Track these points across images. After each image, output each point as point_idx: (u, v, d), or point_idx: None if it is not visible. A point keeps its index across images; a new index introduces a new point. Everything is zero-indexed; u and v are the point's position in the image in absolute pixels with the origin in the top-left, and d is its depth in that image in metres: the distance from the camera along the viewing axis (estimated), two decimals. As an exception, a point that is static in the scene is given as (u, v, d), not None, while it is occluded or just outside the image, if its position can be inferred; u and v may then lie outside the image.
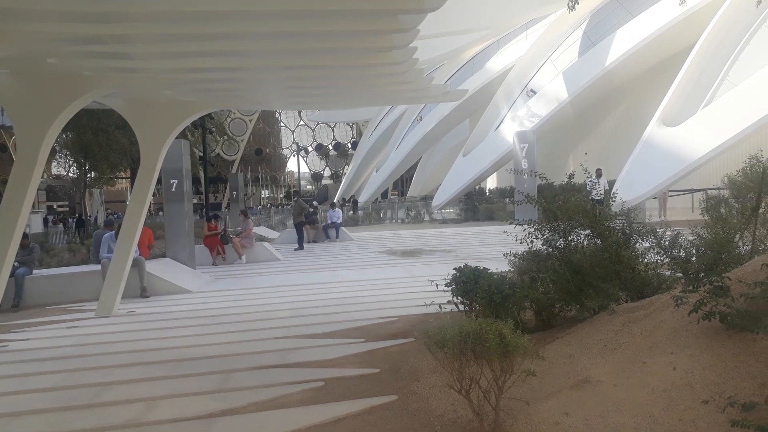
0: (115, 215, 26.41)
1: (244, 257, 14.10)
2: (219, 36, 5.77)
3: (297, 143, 63.53)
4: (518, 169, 18.87)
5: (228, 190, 34.22)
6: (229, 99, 10.32)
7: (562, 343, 4.81)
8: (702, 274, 5.60)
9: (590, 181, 14.40)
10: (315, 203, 26.85)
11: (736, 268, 4.84)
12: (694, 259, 5.81)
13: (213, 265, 13.90)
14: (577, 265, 5.17)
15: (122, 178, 48.26)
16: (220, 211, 31.54)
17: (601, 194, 6.88)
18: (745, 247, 6.16)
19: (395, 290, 9.25)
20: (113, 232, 10.21)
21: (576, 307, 5.35)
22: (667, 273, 5.85)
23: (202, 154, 28.36)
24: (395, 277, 10.66)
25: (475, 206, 27.65)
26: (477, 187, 32.62)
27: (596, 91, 25.02)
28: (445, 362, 3.72)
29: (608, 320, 4.83)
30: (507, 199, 27.61)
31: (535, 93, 27.08)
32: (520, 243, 5.92)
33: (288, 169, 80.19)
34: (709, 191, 16.84)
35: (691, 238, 6.07)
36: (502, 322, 3.73)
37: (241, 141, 65.23)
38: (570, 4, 5.65)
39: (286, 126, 78.91)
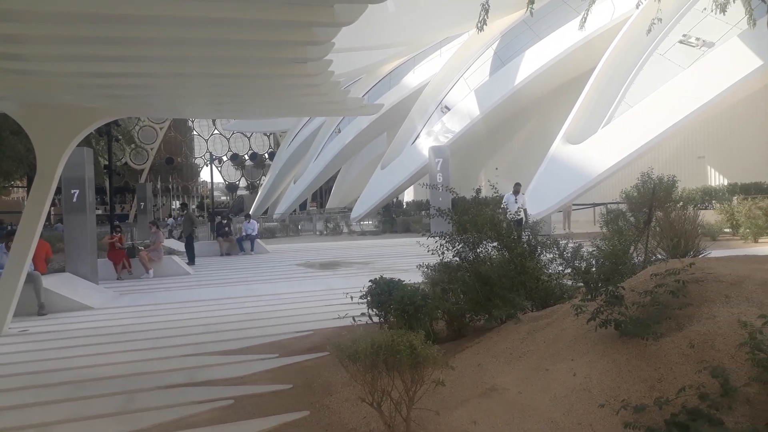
0: (9, 226, 24.49)
1: (151, 271, 13.48)
2: (125, 40, 5.53)
3: (210, 152, 61.75)
4: (433, 182, 19.27)
5: (136, 201, 32.67)
6: (137, 106, 9.90)
7: (471, 353, 4.94)
8: (600, 284, 5.95)
9: (507, 196, 14.22)
10: (231, 216, 26.14)
11: (630, 278, 5.18)
12: (593, 269, 6.17)
13: (118, 279, 13.19)
14: (486, 276, 5.35)
15: (18, 187, 44.86)
16: (121, 222, 30.00)
17: (519, 215, 6.84)
18: (639, 258, 6.61)
19: (312, 303, 9.16)
20: (2, 244, 9.48)
21: (485, 317, 5.52)
22: (569, 283, 6.17)
23: (107, 163, 26.90)
24: (312, 290, 10.56)
25: (393, 218, 27.98)
26: (395, 200, 33.04)
27: (506, 109, 26.08)
28: (357, 375, 3.72)
29: (514, 329, 5.02)
30: (423, 212, 28.14)
31: (449, 109, 27.85)
32: (433, 254, 6.05)
33: (201, 179, 77.65)
34: (609, 205, 17.99)
35: (591, 249, 6.44)
36: (414, 334, 3.78)
37: (151, 149, 62.51)
38: (479, 25, 5.88)
39: (199, 135, 76.39)
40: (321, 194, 58.76)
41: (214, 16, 4.97)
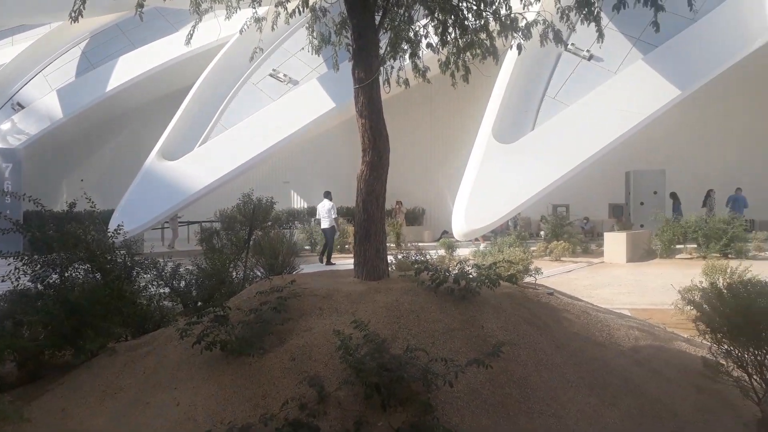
0: None
1: None
2: None
3: None
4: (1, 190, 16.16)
5: None
6: None
7: (53, 396, 4.16)
8: (200, 303, 5.82)
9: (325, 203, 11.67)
10: None
11: (235, 296, 5.22)
12: (193, 288, 6.01)
13: None
14: (75, 303, 4.57)
15: None
16: None
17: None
18: (239, 275, 6.77)
19: None
20: None
21: (71, 352, 4.73)
22: (169, 304, 5.86)
23: None
24: None
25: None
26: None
27: (96, 115, 23.86)
28: None
29: (109, 362, 4.45)
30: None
31: (22, 107, 23.92)
32: (2, 281, 4.88)
33: None
34: (203, 224, 18.23)
35: (191, 267, 6.28)
36: (-28, 386, 2.93)
37: None
38: (72, 14, 5.06)
39: None
40: None
41: None
